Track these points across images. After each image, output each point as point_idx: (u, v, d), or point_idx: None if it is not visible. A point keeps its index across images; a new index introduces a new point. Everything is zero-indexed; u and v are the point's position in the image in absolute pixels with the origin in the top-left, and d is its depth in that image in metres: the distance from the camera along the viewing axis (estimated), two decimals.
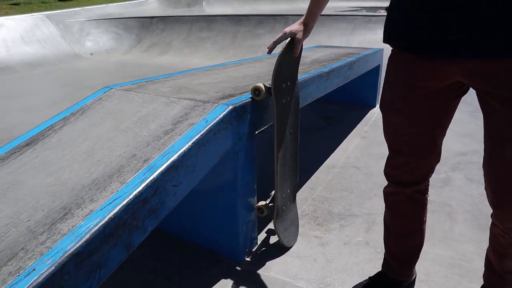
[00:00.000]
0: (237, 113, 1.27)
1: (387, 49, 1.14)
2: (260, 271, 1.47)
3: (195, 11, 13.24)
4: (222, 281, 1.43)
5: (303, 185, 2.11)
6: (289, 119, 1.46)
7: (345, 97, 3.48)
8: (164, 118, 1.24)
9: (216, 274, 1.45)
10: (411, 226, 1.24)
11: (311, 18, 1.38)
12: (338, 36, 8.48)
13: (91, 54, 9.88)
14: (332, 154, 2.51)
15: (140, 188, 0.93)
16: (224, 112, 1.21)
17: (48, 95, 4.41)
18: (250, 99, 1.35)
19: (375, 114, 3.22)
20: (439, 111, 1.04)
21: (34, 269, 0.74)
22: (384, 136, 1.16)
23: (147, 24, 10.80)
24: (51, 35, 8.73)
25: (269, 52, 1.36)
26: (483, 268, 1.25)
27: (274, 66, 1.30)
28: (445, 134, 1.10)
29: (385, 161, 1.18)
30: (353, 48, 3.37)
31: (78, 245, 0.79)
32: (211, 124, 1.16)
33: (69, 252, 0.78)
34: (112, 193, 0.93)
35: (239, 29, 10.76)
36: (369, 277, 1.37)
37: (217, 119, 1.18)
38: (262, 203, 1.50)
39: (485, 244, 1.40)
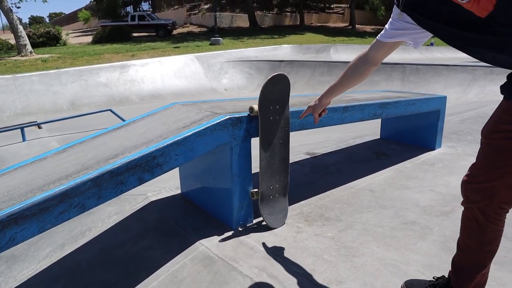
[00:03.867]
0: (232, 121, 1.95)
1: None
2: (242, 237, 2.06)
3: (321, 57, 14.30)
4: (216, 237, 2.07)
5: (314, 196, 2.59)
6: (278, 132, 2.07)
7: (409, 139, 3.77)
8: (189, 120, 2.00)
9: (214, 232, 2.11)
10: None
11: (327, 97, 1.64)
12: (455, 86, 8.28)
13: (225, 89, 11.67)
14: (359, 180, 2.89)
15: (152, 150, 1.70)
16: (221, 119, 1.92)
17: None
18: (247, 115, 2.02)
19: (427, 156, 3.41)
20: None
21: (92, 175, 1.56)
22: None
23: (276, 67, 12.19)
24: (196, 72, 10.81)
25: (300, 117, 1.94)
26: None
27: (259, 94, 1.95)
28: None
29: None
30: (416, 93, 3.67)
31: (113, 168, 1.59)
32: (209, 125, 1.87)
33: (107, 170, 1.57)
34: (139, 150, 1.72)
35: None
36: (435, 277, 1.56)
37: (215, 122, 1.89)
38: (254, 190, 2.11)
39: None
